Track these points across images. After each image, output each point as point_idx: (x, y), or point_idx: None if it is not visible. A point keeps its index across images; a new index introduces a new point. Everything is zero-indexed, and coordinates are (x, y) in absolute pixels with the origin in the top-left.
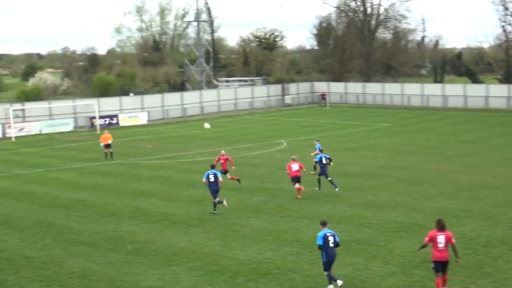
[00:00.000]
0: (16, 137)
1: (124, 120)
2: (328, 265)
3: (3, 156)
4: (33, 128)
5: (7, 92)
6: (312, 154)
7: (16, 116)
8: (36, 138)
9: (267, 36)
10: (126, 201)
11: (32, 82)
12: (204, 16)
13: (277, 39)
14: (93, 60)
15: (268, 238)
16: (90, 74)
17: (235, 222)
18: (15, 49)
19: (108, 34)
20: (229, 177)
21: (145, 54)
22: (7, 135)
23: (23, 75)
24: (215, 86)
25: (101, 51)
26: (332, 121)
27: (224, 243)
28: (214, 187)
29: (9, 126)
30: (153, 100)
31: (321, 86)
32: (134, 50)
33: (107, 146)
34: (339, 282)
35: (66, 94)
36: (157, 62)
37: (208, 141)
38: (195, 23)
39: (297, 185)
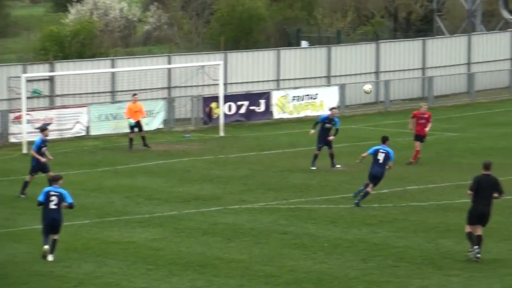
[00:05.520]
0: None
1: None
2: None
3: None
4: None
5: (18, 40)
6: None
7: (34, 93)
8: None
9: None
10: None
11: (74, 13)
12: None
13: None
14: None
15: None
16: None
17: None
18: None
19: None
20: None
21: None
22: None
23: None
24: None
25: None
26: None
27: None
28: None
29: (18, 118)
30: None
31: None
32: None
33: None
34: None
35: (159, 42)
36: None
37: None
38: None
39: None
